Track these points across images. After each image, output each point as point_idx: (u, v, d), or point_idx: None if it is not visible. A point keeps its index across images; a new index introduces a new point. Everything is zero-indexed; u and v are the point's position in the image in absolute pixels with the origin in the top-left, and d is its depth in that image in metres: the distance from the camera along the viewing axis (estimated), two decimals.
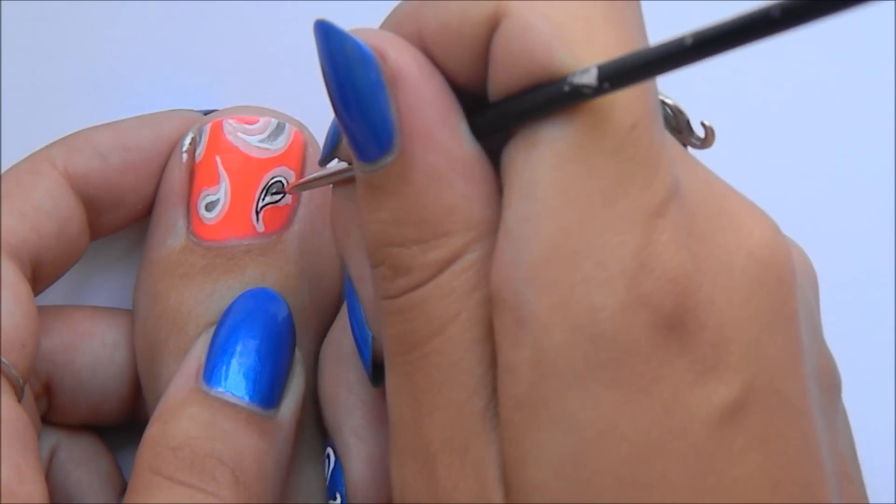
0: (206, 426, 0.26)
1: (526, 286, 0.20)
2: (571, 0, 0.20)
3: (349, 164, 0.24)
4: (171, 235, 0.29)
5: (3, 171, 0.29)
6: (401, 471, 0.22)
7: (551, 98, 0.20)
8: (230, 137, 0.29)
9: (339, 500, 0.26)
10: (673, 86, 0.33)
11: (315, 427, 0.30)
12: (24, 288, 0.26)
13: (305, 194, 0.30)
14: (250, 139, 0.29)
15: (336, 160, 0.25)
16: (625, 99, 0.20)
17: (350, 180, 0.24)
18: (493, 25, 0.20)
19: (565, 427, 0.19)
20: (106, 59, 0.33)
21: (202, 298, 0.29)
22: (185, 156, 0.29)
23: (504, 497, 0.20)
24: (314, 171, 0.30)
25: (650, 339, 0.19)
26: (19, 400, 0.26)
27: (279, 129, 0.29)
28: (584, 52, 0.20)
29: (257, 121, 0.29)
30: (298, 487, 0.29)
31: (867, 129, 0.34)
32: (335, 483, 0.27)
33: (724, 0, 0.33)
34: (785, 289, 0.21)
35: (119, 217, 0.30)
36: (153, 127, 0.30)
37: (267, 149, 0.29)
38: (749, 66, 0.33)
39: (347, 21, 0.33)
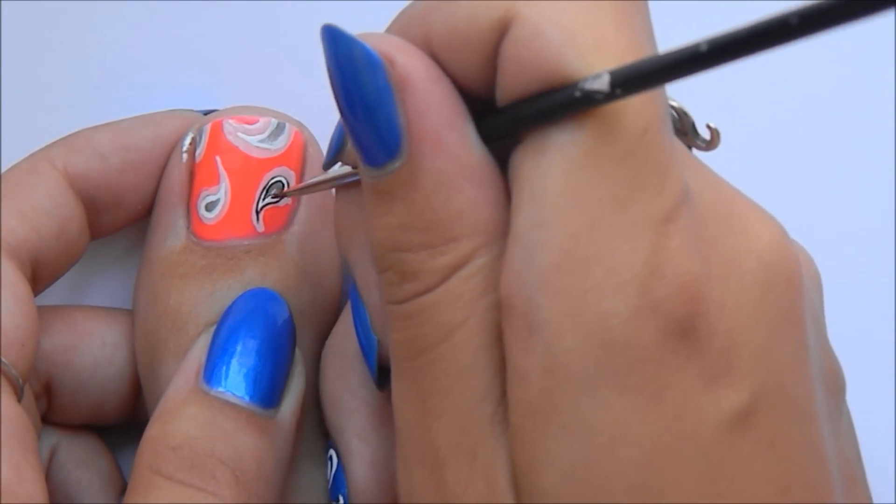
0: (206, 426, 0.26)
1: (537, 292, 0.20)
2: (580, 2, 0.20)
3: (353, 168, 0.24)
4: (171, 235, 0.29)
5: (3, 170, 0.29)
6: (408, 476, 0.22)
7: (562, 103, 0.20)
8: (230, 137, 0.29)
9: (341, 501, 0.26)
10: (674, 86, 0.33)
11: (315, 427, 0.30)
12: (23, 288, 0.26)
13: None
14: (250, 139, 0.29)
15: (340, 164, 0.25)
16: (635, 104, 0.20)
17: (354, 185, 0.24)
18: (502, 30, 0.20)
19: (577, 433, 0.19)
20: (106, 59, 0.33)
21: (202, 298, 0.29)
22: (185, 156, 0.29)
23: (515, 501, 0.20)
24: (315, 174, 0.30)
25: (661, 345, 0.19)
26: (19, 400, 0.26)
27: (279, 129, 0.29)
28: (594, 57, 0.19)
29: (257, 121, 0.29)
30: (298, 487, 0.29)
31: (867, 129, 0.34)
32: (337, 485, 0.27)
33: (727, 0, 0.33)
34: (793, 293, 0.21)
35: (119, 217, 0.30)
36: (153, 127, 0.30)
37: (267, 149, 0.29)
38: (749, 67, 0.33)
39: (349, 21, 0.33)
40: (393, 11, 0.33)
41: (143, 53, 0.33)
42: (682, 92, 0.33)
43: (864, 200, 0.34)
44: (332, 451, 0.27)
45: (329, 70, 0.21)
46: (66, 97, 0.33)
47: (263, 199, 0.29)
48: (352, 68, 0.21)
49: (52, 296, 0.31)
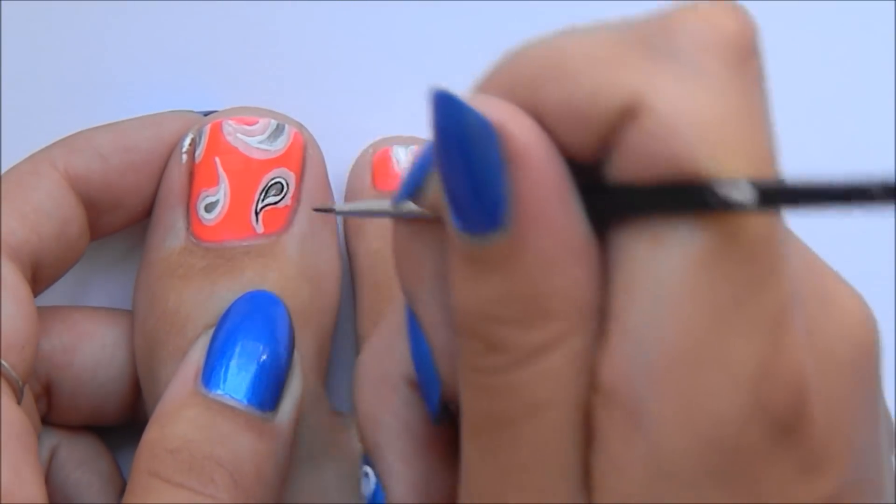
0: (205, 429, 0.26)
1: (647, 389, 0.19)
2: (712, 93, 0.19)
3: (425, 211, 0.22)
4: (170, 236, 0.29)
5: (4, 171, 0.29)
6: None
7: (690, 201, 0.19)
8: (230, 138, 0.29)
9: None
10: None
11: (315, 428, 0.30)
12: (24, 289, 0.26)
13: (305, 195, 0.30)
14: (250, 140, 0.29)
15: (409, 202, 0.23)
16: None
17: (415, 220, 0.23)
18: (627, 117, 0.19)
19: None
20: (106, 59, 0.33)
21: (201, 300, 0.29)
22: (184, 156, 0.29)
23: None
24: (315, 175, 0.30)
25: (765, 442, 0.19)
26: (18, 402, 0.26)
27: (279, 130, 0.29)
28: (729, 160, 0.19)
29: (257, 122, 0.29)
30: (297, 489, 0.29)
31: (868, 129, 0.34)
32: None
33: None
34: (873, 366, 0.21)
35: (119, 218, 0.30)
36: (154, 128, 0.30)
37: (267, 150, 0.29)
38: None
39: (349, 21, 0.33)
40: (393, 11, 0.33)
41: (143, 54, 0.33)
42: None
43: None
44: (367, 469, 0.27)
45: (435, 134, 0.20)
46: (67, 97, 0.33)
47: (263, 201, 0.29)
48: (463, 137, 0.19)
49: (53, 297, 0.32)
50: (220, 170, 0.29)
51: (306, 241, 0.29)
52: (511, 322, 0.20)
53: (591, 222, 0.20)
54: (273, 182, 0.29)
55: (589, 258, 0.20)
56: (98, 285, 0.33)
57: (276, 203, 0.29)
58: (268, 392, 0.27)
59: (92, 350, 0.30)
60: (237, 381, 0.26)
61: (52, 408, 0.30)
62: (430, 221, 0.22)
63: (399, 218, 0.23)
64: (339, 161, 0.32)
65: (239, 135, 0.29)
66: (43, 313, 0.29)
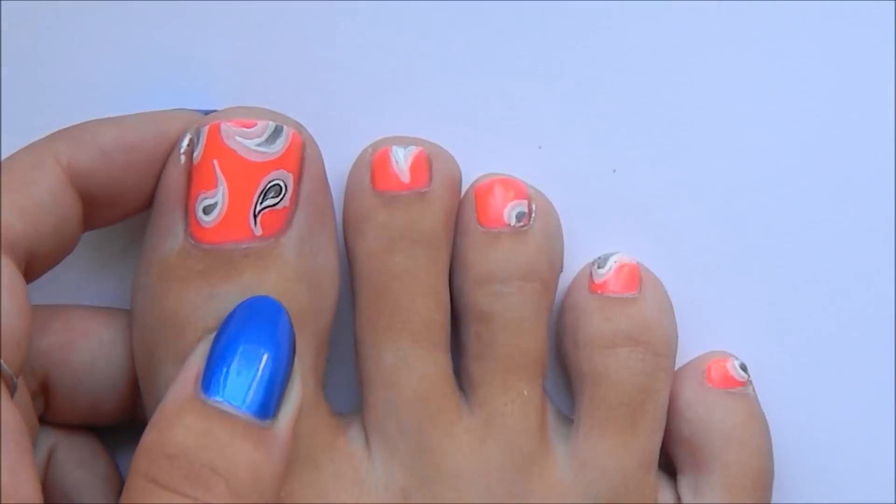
0: (202, 436, 0.26)
1: None
2: None
3: None
4: (168, 238, 0.29)
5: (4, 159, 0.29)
6: None
7: None
8: (228, 141, 0.29)
9: None
10: (674, 84, 0.33)
11: (314, 429, 0.30)
12: (20, 285, 0.26)
13: (304, 196, 0.29)
14: (248, 142, 0.29)
15: None
16: None
17: None
18: None
19: None
20: (106, 58, 0.33)
21: (201, 302, 0.29)
22: (182, 158, 0.29)
23: None
24: (314, 175, 0.30)
25: None
26: (12, 396, 0.26)
27: (277, 131, 0.29)
28: None
29: (255, 124, 0.29)
30: (296, 489, 0.29)
31: (867, 129, 0.33)
32: None
33: (727, 0, 0.33)
34: None
35: (115, 213, 0.30)
36: (157, 126, 0.30)
37: (265, 152, 0.29)
38: (748, 67, 0.33)
39: (350, 22, 0.33)
40: (392, 12, 0.33)
41: (143, 53, 0.33)
42: (682, 90, 0.33)
43: (862, 198, 0.34)
44: None
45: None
46: (67, 97, 0.33)
47: (261, 203, 0.29)
48: None
49: (50, 294, 0.32)
50: (219, 172, 0.29)
51: (305, 243, 0.29)
52: None
53: None
54: (271, 184, 0.29)
55: None
56: (95, 284, 0.33)
57: (274, 205, 0.29)
58: (267, 399, 0.27)
59: (89, 348, 0.30)
60: (237, 388, 0.26)
61: (49, 406, 0.30)
62: None
63: None
64: (338, 160, 0.32)
65: (237, 137, 0.29)
66: (40, 311, 0.29)
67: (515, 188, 0.32)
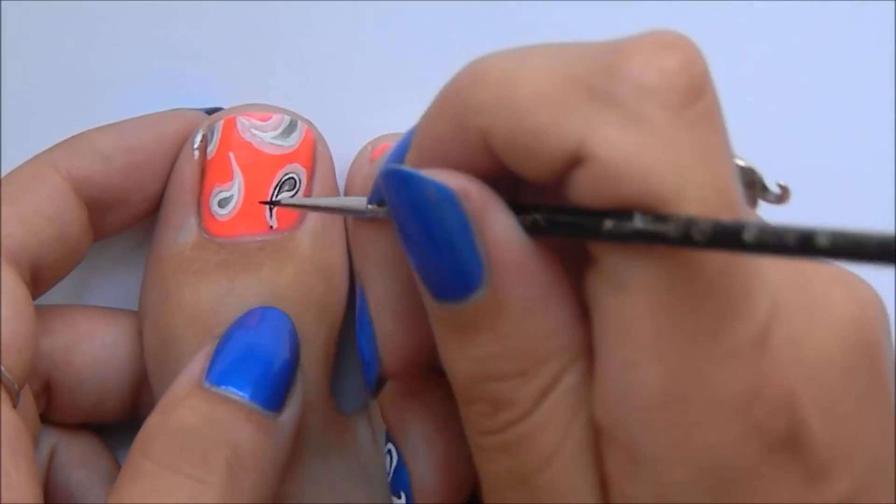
0: (204, 416, 0.26)
1: (639, 429, 0.19)
2: (658, 138, 0.19)
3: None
4: (182, 232, 0.29)
5: (5, 172, 0.28)
6: None
7: (640, 236, 0.19)
8: (244, 134, 0.29)
9: (403, 499, 0.26)
10: None
11: (324, 424, 0.30)
12: (21, 292, 0.26)
13: (316, 191, 0.30)
14: (264, 136, 0.29)
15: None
16: None
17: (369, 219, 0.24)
18: (574, 164, 0.19)
19: None
20: (107, 59, 0.33)
21: (220, 295, 0.29)
22: (196, 153, 0.29)
23: None
24: (324, 173, 0.30)
25: (766, 460, 0.20)
26: (14, 405, 0.25)
27: (292, 126, 0.30)
28: (675, 199, 0.19)
29: (270, 117, 0.29)
30: (306, 483, 0.29)
31: (867, 129, 0.34)
32: (399, 482, 0.26)
33: (724, 0, 0.33)
34: (876, 361, 0.21)
35: (123, 217, 0.30)
36: (156, 127, 0.30)
37: (280, 145, 0.29)
38: (749, 67, 0.34)
39: (350, 21, 0.33)
40: (392, 11, 0.33)
41: (144, 53, 0.33)
42: None
43: (862, 198, 0.34)
44: (390, 446, 0.27)
45: (398, 212, 0.21)
46: (67, 97, 0.33)
47: (277, 195, 0.29)
48: (427, 207, 0.20)
49: (54, 295, 0.31)
50: (235, 165, 0.29)
51: (318, 237, 0.30)
52: (511, 376, 0.20)
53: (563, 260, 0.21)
54: (286, 177, 0.29)
55: (566, 296, 0.21)
56: (99, 285, 0.33)
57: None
58: (272, 393, 0.27)
59: (92, 349, 0.30)
60: (244, 380, 0.27)
61: (51, 406, 0.30)
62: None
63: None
64: (338, 158, 0.32)
65: (253, 130, 0.29)
66: (42, 312, 0.29)
67: None
